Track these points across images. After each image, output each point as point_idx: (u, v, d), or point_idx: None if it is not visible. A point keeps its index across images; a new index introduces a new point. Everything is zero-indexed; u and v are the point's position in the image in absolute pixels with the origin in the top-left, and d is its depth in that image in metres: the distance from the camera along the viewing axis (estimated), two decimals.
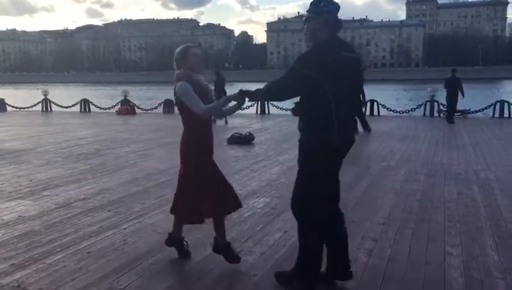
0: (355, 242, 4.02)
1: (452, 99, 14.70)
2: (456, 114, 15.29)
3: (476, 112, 17.01)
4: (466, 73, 54.21)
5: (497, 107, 16.40)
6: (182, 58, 3.57)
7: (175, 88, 3.51)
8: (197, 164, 3.59)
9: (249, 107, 15.35)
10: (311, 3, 3.11)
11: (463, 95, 14.66)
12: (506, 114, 16.16)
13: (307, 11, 3.14)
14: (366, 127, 12.08)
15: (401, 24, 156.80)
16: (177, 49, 3.63)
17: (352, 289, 3.32)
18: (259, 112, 18.14)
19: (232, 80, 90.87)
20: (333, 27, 3.07)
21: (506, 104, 16.31)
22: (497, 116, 16.19)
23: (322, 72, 2.91)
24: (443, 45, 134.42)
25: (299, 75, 2.96)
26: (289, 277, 3.33)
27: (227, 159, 8.48)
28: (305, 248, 3.20)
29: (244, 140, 10.26)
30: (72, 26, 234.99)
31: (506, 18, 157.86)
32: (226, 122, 14.68)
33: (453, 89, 14.54)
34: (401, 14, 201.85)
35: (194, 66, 3.57)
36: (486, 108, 16.96)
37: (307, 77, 2.92)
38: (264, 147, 9.68)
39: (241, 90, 3.28)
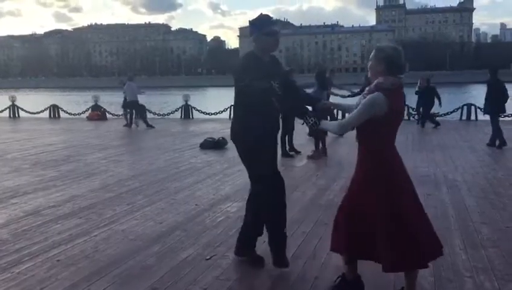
0: (327, 244, 4.05)
1: (427, 107, 14.79)
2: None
3: (444, 115, 17.39)
4: (434, 77, 55.37)
5: (465, 110, 16.84)
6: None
7: None
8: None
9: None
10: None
11: (440, 104, 14.79)
12: (473, 117, 16.59)
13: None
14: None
15: (371, 29, 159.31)
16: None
17: None
18: (232, 116, 18.09)
19: (205, 85, 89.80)
20: None
21: (473, 107, 16.75)
22: (465, 118, 16.62)
23: None
24: (412, 50, 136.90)
25: None
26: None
27: (200, 164, 8.46)
28: None
29: (217, 145, 10.23)
30: (40, 31, 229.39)
31: (472, 24, 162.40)
32: (135, 124, 15.25)
33: (429, 97, 14.64)
34: (371, 20, 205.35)
35: None
36: (454, 111, 17.37)
37: None
38: None
39: None
